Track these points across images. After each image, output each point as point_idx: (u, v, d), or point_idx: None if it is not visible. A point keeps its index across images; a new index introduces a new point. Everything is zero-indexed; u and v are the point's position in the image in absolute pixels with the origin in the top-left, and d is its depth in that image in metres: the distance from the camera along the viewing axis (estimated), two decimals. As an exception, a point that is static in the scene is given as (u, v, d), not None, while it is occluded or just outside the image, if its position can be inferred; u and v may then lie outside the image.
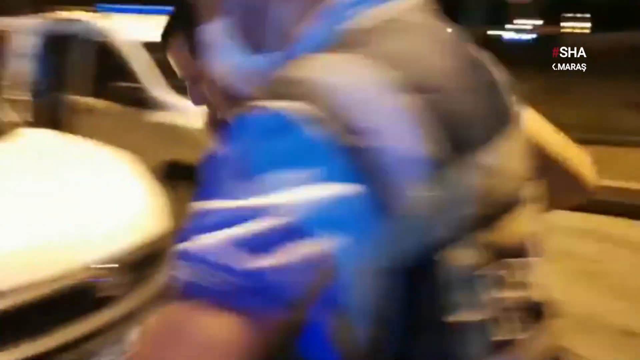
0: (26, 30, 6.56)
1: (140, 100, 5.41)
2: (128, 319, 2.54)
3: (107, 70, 5.82)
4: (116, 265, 2.49)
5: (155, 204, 2.99)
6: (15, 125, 3.50)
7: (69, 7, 7.61)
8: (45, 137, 3.56)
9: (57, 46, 6.28)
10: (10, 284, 2.15)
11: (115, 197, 2.88)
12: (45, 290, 2.24)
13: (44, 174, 2.91)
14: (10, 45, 6.35)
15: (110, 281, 2.47)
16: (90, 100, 5.80)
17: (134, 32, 5.91)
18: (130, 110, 5.45)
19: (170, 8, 1.26)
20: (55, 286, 2.27)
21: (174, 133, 5.15)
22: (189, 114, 5.16)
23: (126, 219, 2.75)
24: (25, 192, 2.66)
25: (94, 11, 7.52)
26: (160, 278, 2.77)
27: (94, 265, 2.41)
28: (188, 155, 4.99)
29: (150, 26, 6.19)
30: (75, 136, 3.69)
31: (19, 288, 2.18)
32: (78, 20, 6.37)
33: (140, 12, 8.22)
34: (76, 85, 5.97)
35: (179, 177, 4.62)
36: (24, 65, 6.45)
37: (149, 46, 5.68)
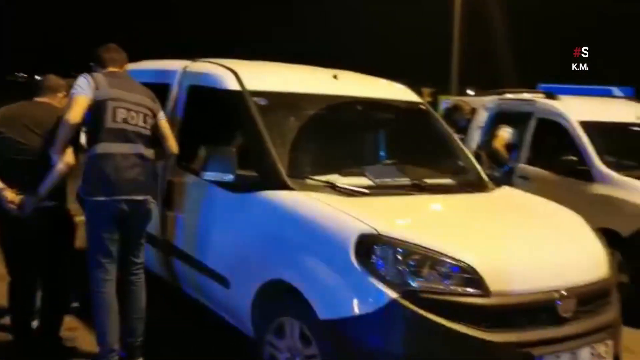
0: (485, 107, 7.92)
1: (579, 173, 6.21)
2: (576, 339, 3.29)
3: (553, 144, 6.77)
4: (565, 292, 3.27)
5: (604, 252, 3.73)
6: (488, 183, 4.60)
7: (516, 88, 8.85)
8: (513, 193, 4.61)
9: (511, 121, 7.46)
10: (507, 288, 3.14)
11: (578, 240, 3.72)
12: (528, 298, 3.18)
13: (527, 217, 3.95)
14: (474, 119, 7.78)
15: (566, 304, 3.27)
16: (536, 170, 6.79)
17: (576, 112, 6.75)
18: (570, 180, 6.28)
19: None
20: (534, 298, 3.20)
21: (610, 204, 5.78)
22: (627, 189, 5.77)
23: (586, 258, 3.57)
24: (518, 228, 3.71)
25: (534, 91, 8.60)
26: (605, 313, 3.49)
27: (561, 289, 3.26)
28: (621, 226, 5.58)
29: (589, 106, 6.99)
30: (531, 194, 4.63)
31: (508, 292, 3.15)
32: (529, 101, 7.46)
33: (579, 92, 9.02)
34: (528, 156, 7.02)
35: (611, 245, 5.22)
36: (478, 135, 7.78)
37: (585, 125, 6.47)
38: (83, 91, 3.84)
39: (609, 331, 3.44)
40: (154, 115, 4.06)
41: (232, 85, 4.23)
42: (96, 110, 3.84)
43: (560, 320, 3.23)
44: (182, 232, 4.43)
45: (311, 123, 4.25)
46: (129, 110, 3.89)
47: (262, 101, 4.13)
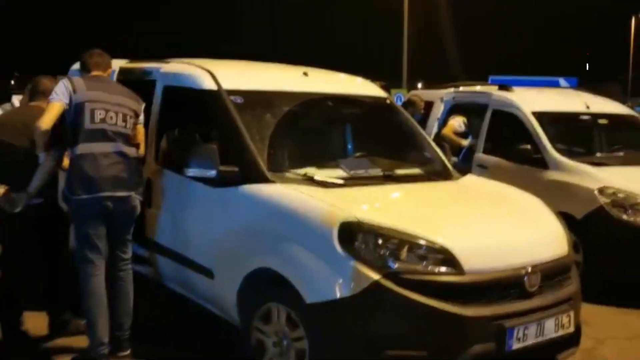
0: (441, 99, 8.26)
1: (534, 160, 6.57)
2: (542, 311, 3.58)
3: (508, 134, 7.13)
4: (531, 269, 3.56)
5: (563, 232, 4.04)
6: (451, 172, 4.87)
7: (468, 81, 9.23)
8: (478, 180, 4.91)
9: (467, 113, 7.81)
10: (479, 266, 3.41)
11: (540, 221, 4.02)
12: (498, 275, 3.46)
13: (492, 201, 4.24)
14: (432, 111, 8.11)
15: (532, 280, 3.56)
16: (493, 159, 7.13)
17: (529, 103, 7.11)
18: (526, 168, 6.63)
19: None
20: (504, 274, 3.48)
21: (564, 189, 6.15)
22: (579, 174, 6.15)
23: (548, 237, 3.87)
24: (485, 212, 3.99)
25: (487, 84, 9.00)
26: (566, 287, 3.79)
27: (527, 266, 3.55)
28: (575, 209, 5.94)
29: (541, 97, 7.38)
30: (494, 181, 4.92)
31: (480, 271, 3.42)
32: (484, 93, 7.81)
33: (528, 83, 9.46)
34: (484, 146, 7.36)
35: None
36: (436, 127, 8.12)
37: (538, 115, 6.85)
38: (57, 97, 4.00)
39: (571, 303, 3.75)
40: (137, 116, 4.20)
41: (209, 85, 4.39)
42: (75, 112, 3.99)
43: (527, 295, 3.53)
44: (163, 228, 4.57)
45: (286, 119, 4.43)
46: (107, 110, 4.03)
47: (238, 99, 4.31)
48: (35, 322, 4.52)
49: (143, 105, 4.30)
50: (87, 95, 4.01)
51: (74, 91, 4.00)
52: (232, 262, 3.92)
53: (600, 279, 5.63)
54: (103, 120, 4.01)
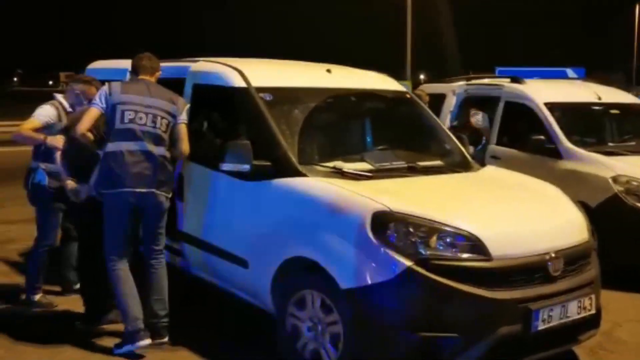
0: (453, 92, 8.40)
1: (548, 151, 6.73)
2: (565, 294, 3.77)
3: (521, 126, 7.29)
4: (554, 254, 3.74)
5: (583, 219, 4.22)
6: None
7: (480, 73, 9.37)
8: (498, 171, 5.09)
9: (480, 105, 7.96)
10: (505, 252, 3.59)
11: (561, 209, 4.21)
12: (523, 260, 3.64)
13: (514, 190, 4.42)
14: (444, 104, 8.26)
15: (555, 265, 3.74)
16: (506, 150, 7.30)
17: (542, 95, 7.26)
18: (539, 158, 6.79)
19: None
20: (529, 260, 3.66)
21: (578, 179, 6.31)
22: (593, 164, 6.31)
23: (569, 224, 4.06)
24: (509, 200, 4.18)
25: (494, 75, 9.11)
26: (587, 271, 3.98)
27: (551, 251, 3.73)
28: (589, 198, 6.10)
29: (553, 89, 7.52)
30: (513, 171, 5.09)
31: (507, 256, 3.60)
32: (496, 85, 7.96)
33: (535, 74, 9.60)
34: (497, 137, 7.52)
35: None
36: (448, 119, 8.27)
37: (550, 106, 7.01)
38: (95, 103, 4.35)
39: (592, 286, 3.94)
40: (173, 116, 4.40)
41: (239, 82, 4.57)
42: (109, 114, 4.31)
43: (551, 279, 3.72)
44: (195, 221, 4.76)
45: (312, 114, 4.61)
46: (137, 112, 4.29)
47: (267, 96, 4.49)
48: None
49: (183, 106, 4.47)
50: (119, 98, 4.30)
51: (110, 94, 4.31)
52: (267, 252, 4.10)
53: (616, 265, 5.79)
54: (132, 121, 4.26)
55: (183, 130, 4.46)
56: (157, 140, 4.31)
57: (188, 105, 4.55)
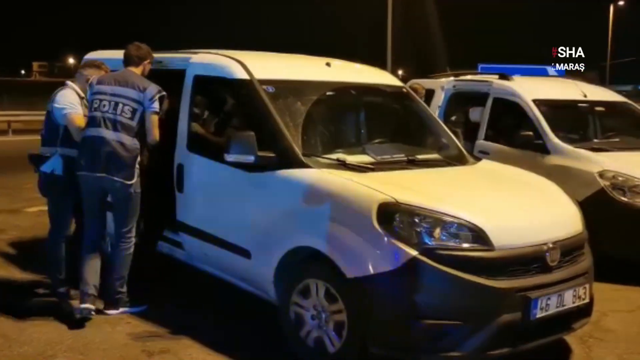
0: (442, 88, 8.53)
1: (535, 146, 6.88)
2: (561, 283, 3.90)
3: (509, 121, 7.44)
4: (551, 245, 3.87)
5: (577, 211, 4.36)
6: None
7: (465, 70, 9.51)
8: (493, 164, 5.21)
9: (468, 101, 8.09)
10: (507, 243, 3.71)
11: (556, 201, 4.35)
12: (523, 251, 3.76)
13: (511, 183, 4.55)
14: (433, 100, 8.38)
15: (553, 255, 3.87)
16: (495, 145, 7.44)
17: (530, 91, 7.42)
18: (527, 153, 6.94)
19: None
20: (528, 250, 3.78)
21: (565, 173, 6.46)
22: (579, 159, 6.47)
23: (565, 216, 4.20)
24: (508, 193, 4.30)
25: (477, 72, 9.25)
26: (581, 262, 4.12)
27: (549, 242, 3.86)
28: (576, 192, 6.25)
29: (540, 86, 7.68)
30: (508, 165, 5.21)
31: (508, 247, 3.72)
32: (484, 81, 8.10)
33: (517, 72, 9.75)
34: (485, 132, 7.66)
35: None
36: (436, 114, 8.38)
37: (538, 103, 7.16)
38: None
39: (586, 276, 4.08)
40: (141, 104, 4.60)
41: (241, 74, 4.62)
42: (89, 105, 4.72)
43: (549, 269, 3.84)
44: (195, 211, 4.81)
45: (314, 107, 4.68)
46: (101, 100, 4.60)
47: (270, 89, 4.55)
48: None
49: (155, 95, 4.59)
50: (94, 89, 4.66)
51: (89, 86, 4.73)
52: (270, 242, 4.17)
53: (602, 257, 5.95)
54: (96, 109, 4.57)
55: (152, 119, 4.64)
56: (116, 126, 4.55)
57: (164, 94, 4.67)
